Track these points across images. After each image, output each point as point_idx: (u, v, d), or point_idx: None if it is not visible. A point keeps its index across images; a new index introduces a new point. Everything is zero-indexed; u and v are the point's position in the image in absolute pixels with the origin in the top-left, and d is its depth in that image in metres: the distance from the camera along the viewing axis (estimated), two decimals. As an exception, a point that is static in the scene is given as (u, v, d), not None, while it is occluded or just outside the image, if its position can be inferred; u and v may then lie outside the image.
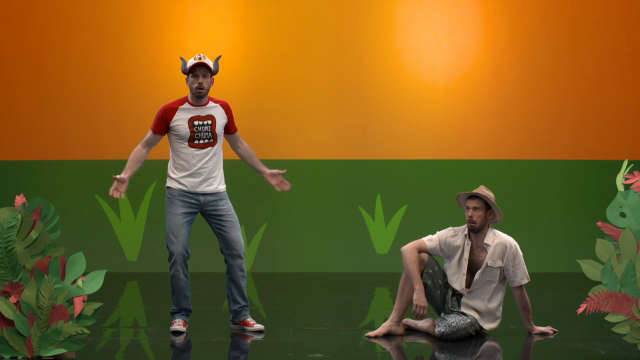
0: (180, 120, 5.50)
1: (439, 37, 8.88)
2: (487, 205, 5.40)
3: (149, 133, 5.60)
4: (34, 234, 4.66)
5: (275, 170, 5.75)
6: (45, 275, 4.59)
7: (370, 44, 8.89)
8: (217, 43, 8.82)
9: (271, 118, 8.80)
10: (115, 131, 8.86)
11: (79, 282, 4.66)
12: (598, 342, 5.24)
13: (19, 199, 4.72)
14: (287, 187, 5.77)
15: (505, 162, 8.89)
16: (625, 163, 4.76)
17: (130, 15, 8.91)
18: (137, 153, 5.60)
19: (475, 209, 5.37)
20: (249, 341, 5.38)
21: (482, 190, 5.42)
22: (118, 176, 5.49)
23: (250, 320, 5.63)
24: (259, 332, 5.56)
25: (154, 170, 8.60)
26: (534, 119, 8.90)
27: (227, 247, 5.58)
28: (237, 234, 5.58)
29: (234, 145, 5.75)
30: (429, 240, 5.50)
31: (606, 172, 8.63)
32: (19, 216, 4.64)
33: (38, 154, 8.88)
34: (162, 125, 5.53)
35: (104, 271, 4.75)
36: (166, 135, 5.60)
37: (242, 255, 5.60)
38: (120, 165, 8.84)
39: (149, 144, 5.63)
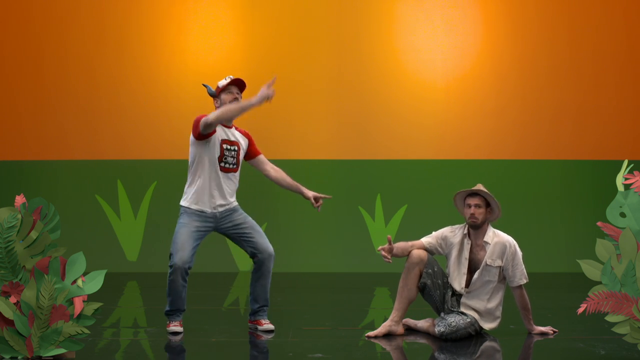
0: (216, 134, 5.45)
1: (439, 37, 8.88)
2: (486, 202, 5.41)
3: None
4: (34, 234, 4.66)
5: (321, 195, 5.65)
6: (45, 275, 4.59)
7: (370, 44, 8.90)
8: (217, 43, 8.82)
9: (271, 118, 8.80)
10: (115, 131, 8.86)
11: (79, 282, 4.66)
12: (598, 342, 5.24)
13: (19, 199, 4.71)
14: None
15: (505, 162, 8.89)
16: (625, 163, 4.76)
17: (130, 15, 8.91)
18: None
19: (476, 206, 5.40)
20: (250, 341, 5.38)
21: (481, 187, 5.44)
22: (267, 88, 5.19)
23: (263, 320, 5.67)
24: (269, 331, 5.59)
25: (154, 170, 8.62)
26: (533, 118, 8.90)
27: (259, 252, 5.60)
28: (264, 239, 5.62)
29: (262, 169, 5.72)
30: (427, 237, 5.53)
31: (606, 172, 8.63)
32: (19, 216, 4.64)
33: (38, 154, 8.88)
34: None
35: (104, 271, 4.75)
36: (189, 148, 5.51)
37: (273, 255, 5.67)
38: (119, 165, 8.94)
39: None
